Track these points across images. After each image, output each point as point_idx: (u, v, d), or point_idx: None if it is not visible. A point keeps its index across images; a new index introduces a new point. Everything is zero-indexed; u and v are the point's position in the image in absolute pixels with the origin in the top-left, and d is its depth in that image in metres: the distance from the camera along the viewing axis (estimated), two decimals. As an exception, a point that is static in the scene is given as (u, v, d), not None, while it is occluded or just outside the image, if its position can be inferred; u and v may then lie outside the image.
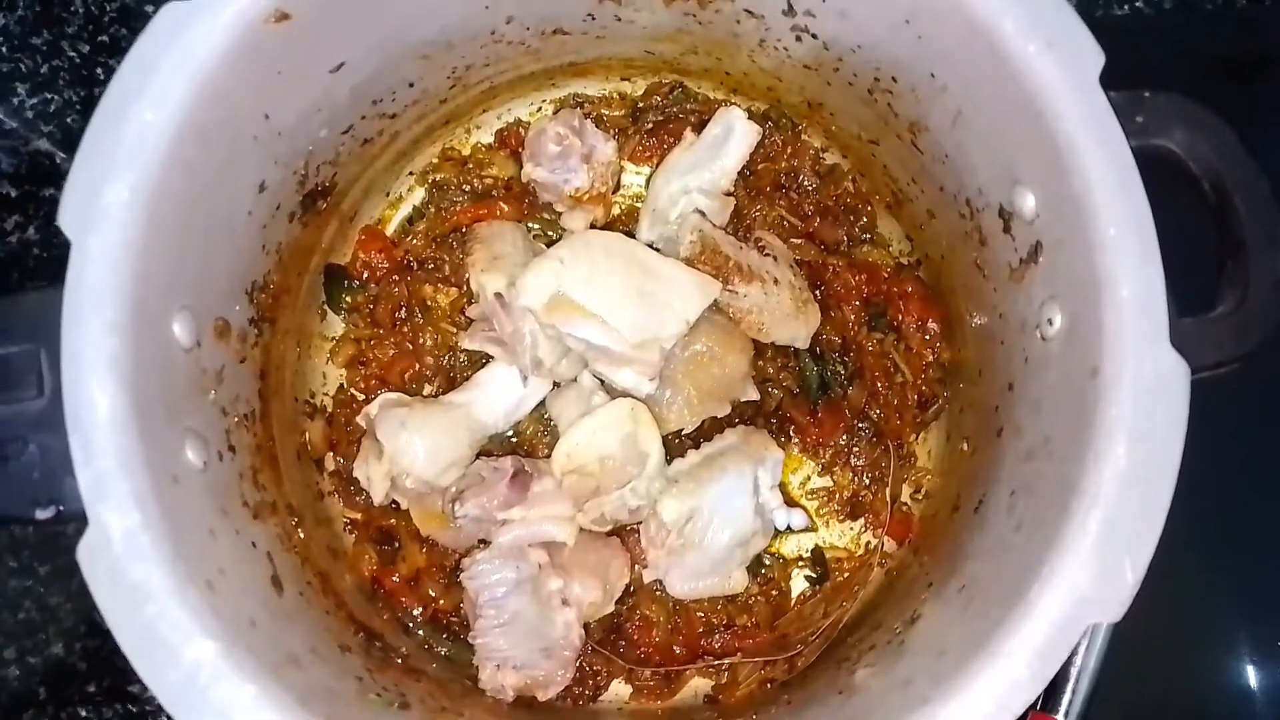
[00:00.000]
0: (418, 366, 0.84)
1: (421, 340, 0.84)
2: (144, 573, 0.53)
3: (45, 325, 0.58)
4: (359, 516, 0.84)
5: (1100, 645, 0.74)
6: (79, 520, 0.55)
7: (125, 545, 0.53)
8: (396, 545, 0.82)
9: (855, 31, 0.71)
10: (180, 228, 0.62)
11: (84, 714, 0.93)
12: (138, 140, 0.58)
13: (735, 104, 0.88)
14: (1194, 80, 0.64)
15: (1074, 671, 0.74)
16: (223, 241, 0.68)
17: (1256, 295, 0.59)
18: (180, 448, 0.61)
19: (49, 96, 0.99)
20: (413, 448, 0.75)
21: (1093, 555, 0.53)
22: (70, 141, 1.00)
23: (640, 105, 0.89)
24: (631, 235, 0.83)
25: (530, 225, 0.87)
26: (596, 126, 0.87)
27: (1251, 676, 0.91)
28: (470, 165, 0.89)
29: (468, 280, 0.82)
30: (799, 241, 0.86)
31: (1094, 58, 0.58)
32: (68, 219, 0.57)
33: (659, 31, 0.82)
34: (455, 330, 0.84)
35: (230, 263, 0.70)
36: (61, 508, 0.59)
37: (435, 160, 0.89)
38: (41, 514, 0.59)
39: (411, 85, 0.79)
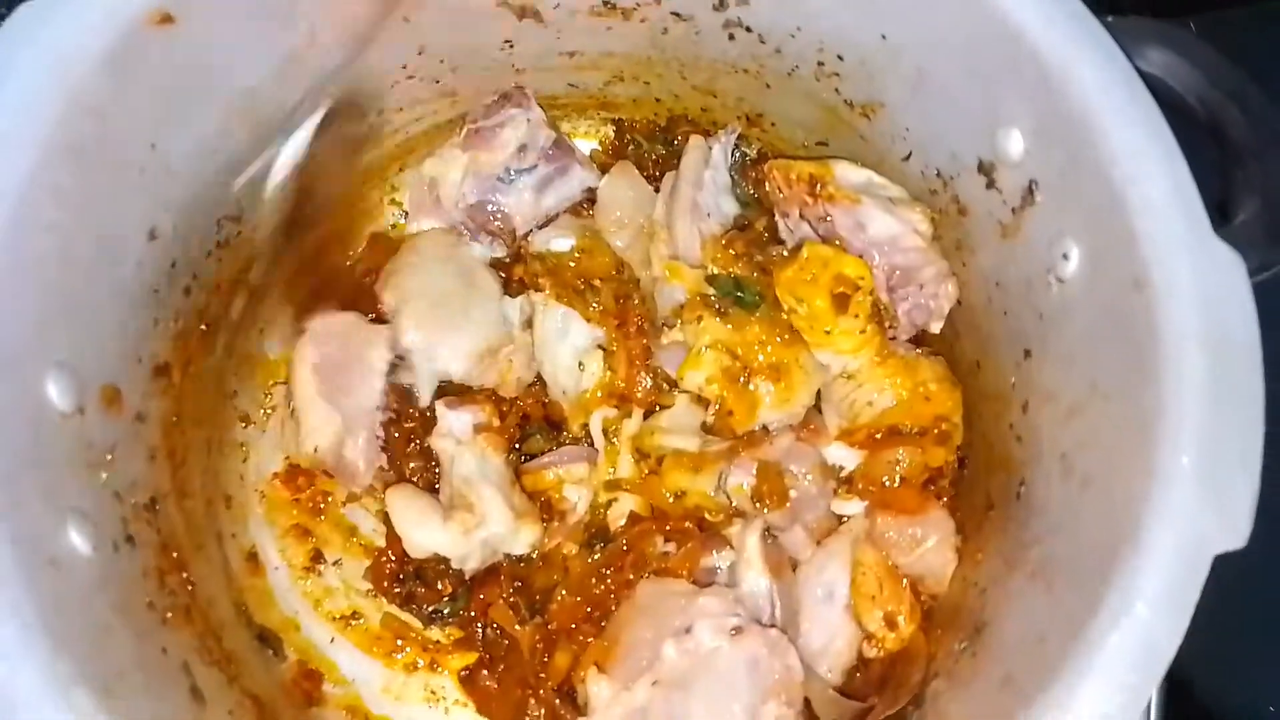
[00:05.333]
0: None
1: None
2: (6, 673, 0.40)
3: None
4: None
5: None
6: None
7: (-17, 639, 0.40)
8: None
9: (792, 12, 0.67)
10: (54, 266, 0.52)
11: None
12: (-7, 153, 0.48)
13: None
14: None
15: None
16: (107, 292, 0.57)
17: (1277, 192, 0.55)
18: (61, 528, 0.48)
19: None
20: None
21: (1197, 478, 0.45)
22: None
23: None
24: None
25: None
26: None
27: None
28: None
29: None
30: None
31: (1059, -34, 0.54)
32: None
33: (581, 57, 0.77)
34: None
35: (118, 321, 0.58)
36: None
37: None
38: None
39: (320, 129, 0.71)
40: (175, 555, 0.60)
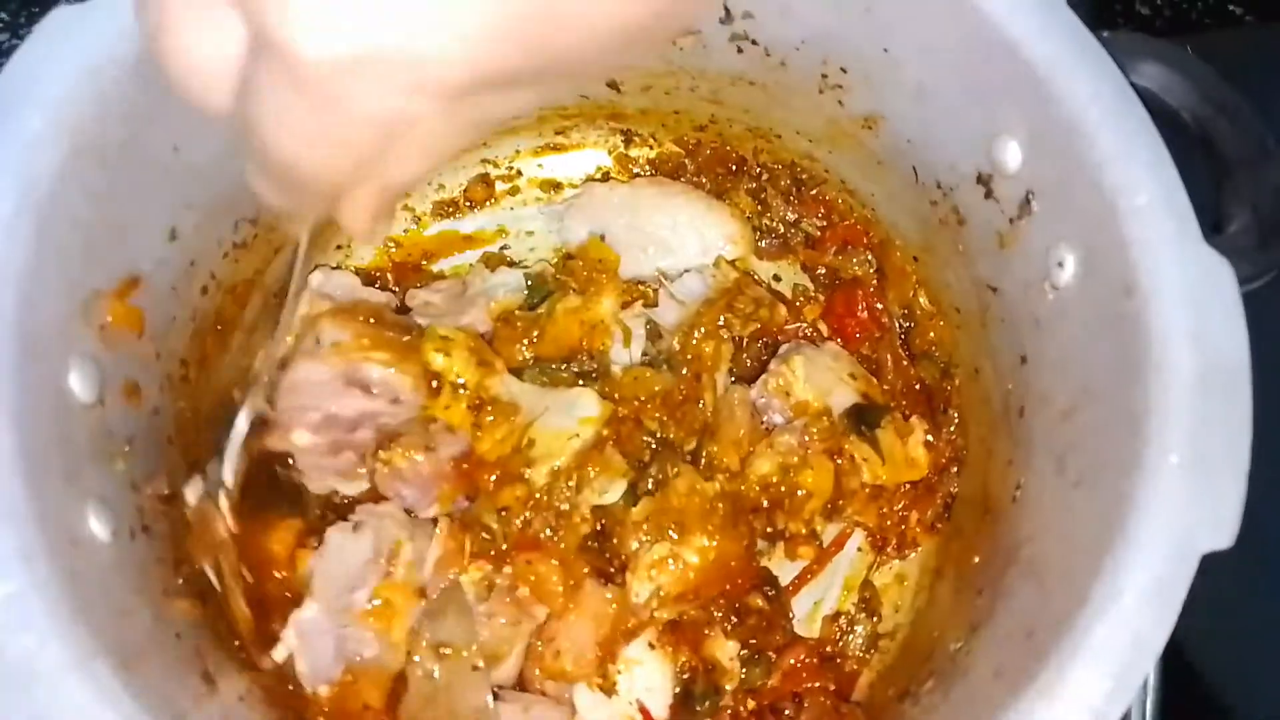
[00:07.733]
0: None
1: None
2: (33, 644, 0.41)
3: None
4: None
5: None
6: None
7: (7, 612, 0.42)
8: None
9: (798, 26, 0.69)
10: (78, 261, 0.54)
11: None
12: (26, 149, 0.50)
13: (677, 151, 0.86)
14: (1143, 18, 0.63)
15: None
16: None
17: (1267, 203, 0.56)
18: (81, 514, 0.50)
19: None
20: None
21: (1184, 476, 0.46)
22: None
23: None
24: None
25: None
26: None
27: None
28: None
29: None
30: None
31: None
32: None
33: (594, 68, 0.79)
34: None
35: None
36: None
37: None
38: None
39: (336, 136, 0.73)
40: (189, 549, 0.62)
